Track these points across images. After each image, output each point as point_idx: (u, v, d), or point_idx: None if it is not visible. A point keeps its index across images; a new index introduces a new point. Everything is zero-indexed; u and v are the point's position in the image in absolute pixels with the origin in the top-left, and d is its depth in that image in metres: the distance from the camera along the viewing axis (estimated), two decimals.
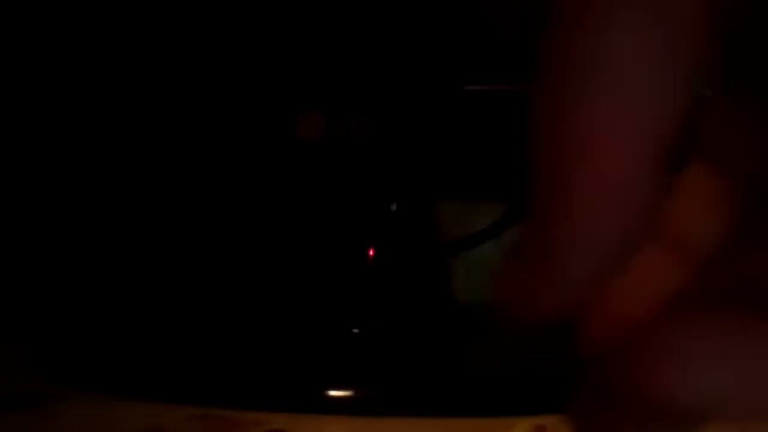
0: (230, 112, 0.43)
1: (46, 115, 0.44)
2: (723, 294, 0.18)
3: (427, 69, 0.43)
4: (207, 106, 0.43)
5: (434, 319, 0.50)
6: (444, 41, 0.43)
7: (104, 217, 0.66)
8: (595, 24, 0.16)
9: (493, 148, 0.43)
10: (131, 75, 0.44)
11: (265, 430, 0.39)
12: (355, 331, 0.48)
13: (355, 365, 0.45)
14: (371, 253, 0.49)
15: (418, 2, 0.42)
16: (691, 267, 0.20)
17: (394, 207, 0.49)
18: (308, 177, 0.43)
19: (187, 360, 0.45)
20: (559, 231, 0.16)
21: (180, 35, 0.43)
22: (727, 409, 0.16)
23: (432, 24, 0.43)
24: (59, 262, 0.65)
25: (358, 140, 0.42)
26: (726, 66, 0.18)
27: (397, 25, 0.43)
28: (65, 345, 0.49)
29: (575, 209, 0.16)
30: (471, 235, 0.61)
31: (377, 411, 0.42)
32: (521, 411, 0.42)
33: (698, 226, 0.20)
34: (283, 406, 0.42)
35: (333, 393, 0.43)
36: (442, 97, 0.43)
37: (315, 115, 0.42)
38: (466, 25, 0.42)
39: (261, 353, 0.46)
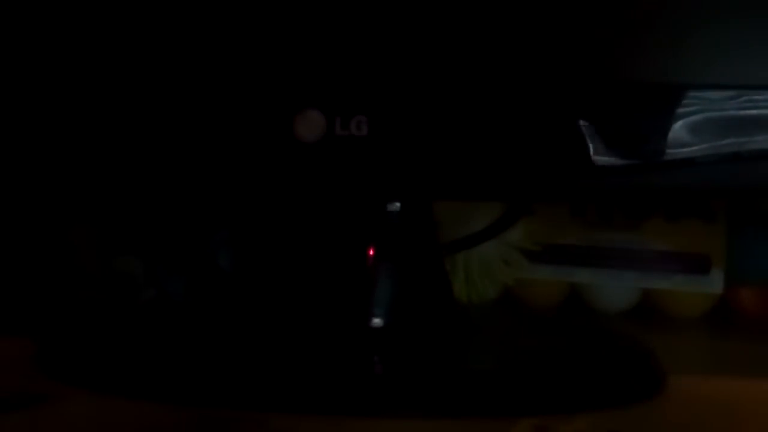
0: (228, 111, 0.43)
1: (44, 113, 0.44)
2: None
3: (427, 68, 0.43)
4: (205, 105, 0.43)
5: (434, 319, 0.50)
6: (444, 40, 0.43)
7: (104, 217, 0.66)
8: None
9: (493, 148, 0.43)
10: (127, 72, 0.44)
11: (265, 431, 0.39)
12: (355, 331, 0.48)
13: (355, 365, 0.45)
14: (371, 253, 0.49)
15: (417, 1, 0.42)
16: None
17: (394, 207, 0.49)
18: (308, 177, 0.43)
19: (187, 360, 0.45)
20: None
21: (177, 32, 0.43)
22: None
23: (432, 23, 0.43)
24: (60, 263, 0.65)
25: (358, 140, 0.42)
26: None
27: (398, 23, 0.43)
28: (66, 344, 0.49)
29: None
30: (471, 235, 0.61)
31: (377, 411, 0.42)
32: (521, 411, 0.42)
33: None
34: (283, 406, 0.42)
35: (333, 393, 0.43)
36: (441, 97, 0.43)
37: (314, 115, 0.42)
38: (466, 23, 0.43)
39: (260, 353, 0.46)
